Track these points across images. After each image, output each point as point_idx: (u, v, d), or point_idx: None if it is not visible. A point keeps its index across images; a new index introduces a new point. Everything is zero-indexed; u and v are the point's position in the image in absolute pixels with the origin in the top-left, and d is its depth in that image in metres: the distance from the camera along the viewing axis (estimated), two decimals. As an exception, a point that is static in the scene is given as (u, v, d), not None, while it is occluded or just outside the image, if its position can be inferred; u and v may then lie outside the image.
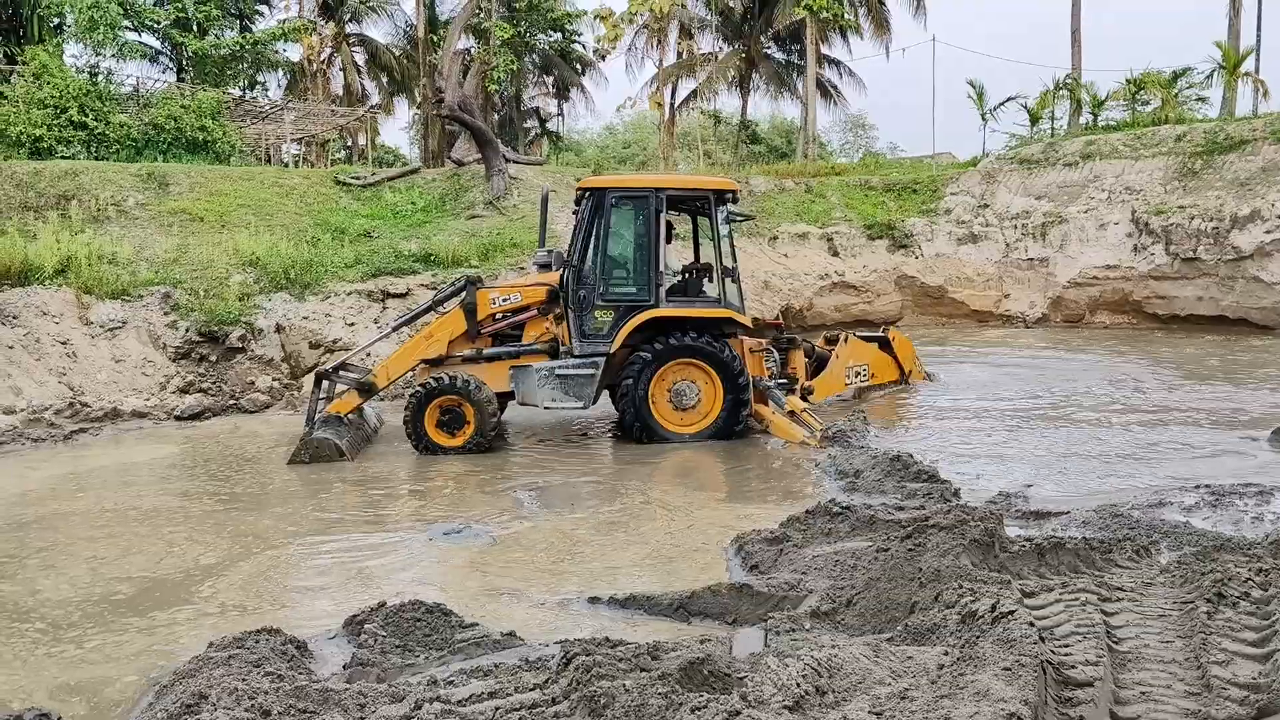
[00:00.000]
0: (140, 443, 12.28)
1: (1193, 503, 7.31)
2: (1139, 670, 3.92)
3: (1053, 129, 34.04)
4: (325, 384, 11.45)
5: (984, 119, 35.25)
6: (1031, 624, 3.89)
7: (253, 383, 14.77)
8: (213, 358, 15.03)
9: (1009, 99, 35.14)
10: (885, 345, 14.28)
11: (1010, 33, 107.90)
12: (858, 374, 13.49)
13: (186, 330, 15.01)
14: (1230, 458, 9.51)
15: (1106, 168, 25.33)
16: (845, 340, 13.51)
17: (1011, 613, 3.96)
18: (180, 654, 5.32)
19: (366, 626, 5.34)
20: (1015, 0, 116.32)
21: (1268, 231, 21.28)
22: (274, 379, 14.86)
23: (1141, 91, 31.42)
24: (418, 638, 5.27)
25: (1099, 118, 32.45)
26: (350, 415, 11.38)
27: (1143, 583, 4.81)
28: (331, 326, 15.64)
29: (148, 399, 13.79)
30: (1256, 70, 32.36)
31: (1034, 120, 34.19)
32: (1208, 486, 7.85)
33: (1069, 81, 33.50)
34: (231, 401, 14.28)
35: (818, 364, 13.06)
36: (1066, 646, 3.96)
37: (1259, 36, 33.35)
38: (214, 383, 14.65)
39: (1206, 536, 6.14)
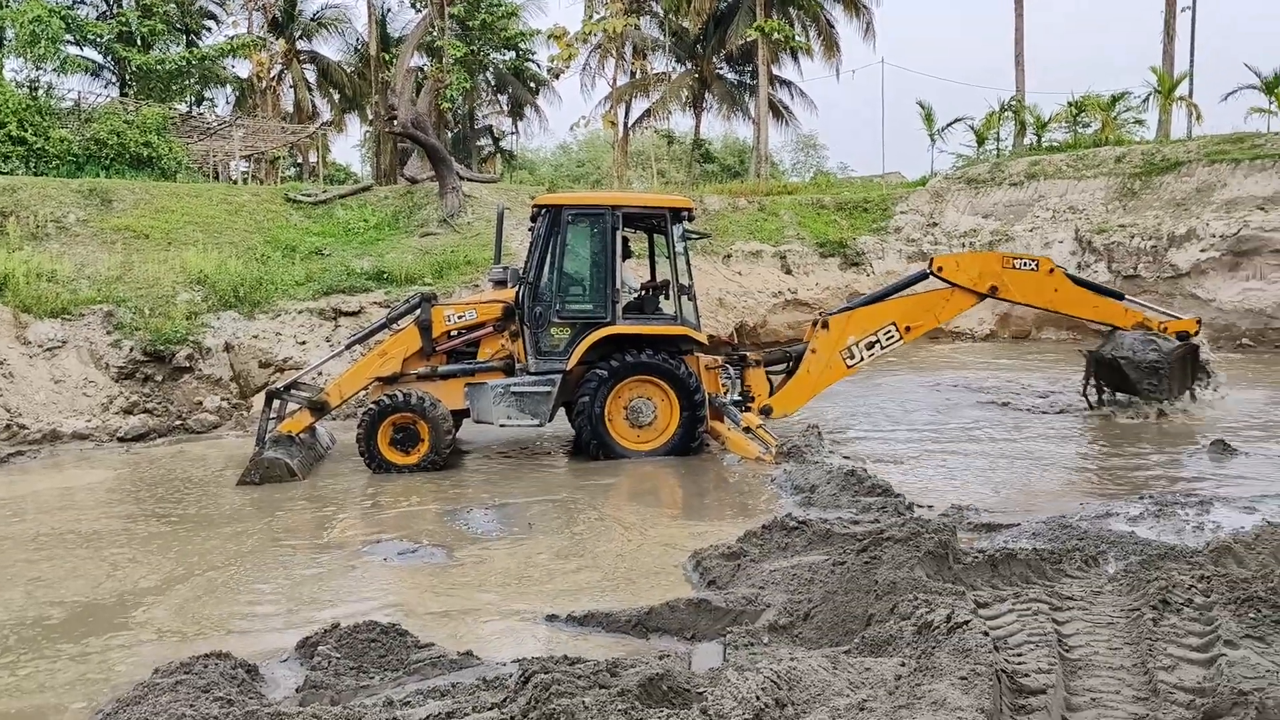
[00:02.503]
0: (81, 465, 11.99)
1: (1138, 513, 7.47)
2: (1089, 677, 3.99)
3: (998, 149, 34.74)
4: (276, 403, 11.30)
5: (932, 139, 35.87)
6: (986, 634, 3.95)
7: (200, 403, 14.52)
8: (158, 377, 14.76)
9: (956, 120, 35.82)
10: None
11: (956, 55, 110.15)
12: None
13: (130, 349, 14.71)
14: (1172, 468, 9.74)
15: (1050, 187, 25.91)
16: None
17: (966, 623, 4.01)
18: (120, 680, 5.21)
19: (320, 648, 5.26)
20: (961, 25, 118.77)
21: (1202, 250, 21.91)
22: (223, 399, 14.62)
23: (1082, 114, 32.22)
24: (372, 659, 5.20)
25: (1042, 139, 33.19)
26: (302, 434, 11.23)
27: (1092, 592, 4.89)
28: (282, 345, 15.44)
29: (89, 420, 13.48)
30: (1190, 95, 33.33)
31: (980, 141, 34.87)
32: (1152, 497, 8.03)
33: (1014, 104, 34.24)
34: (178, 422, 14.01)
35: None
36: (1020, 655, 4.02)
37: (1192, 63, 34.41)
38: (159, 403, 14.37)
39: (1151, 546, 6.28)
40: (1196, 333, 12.79)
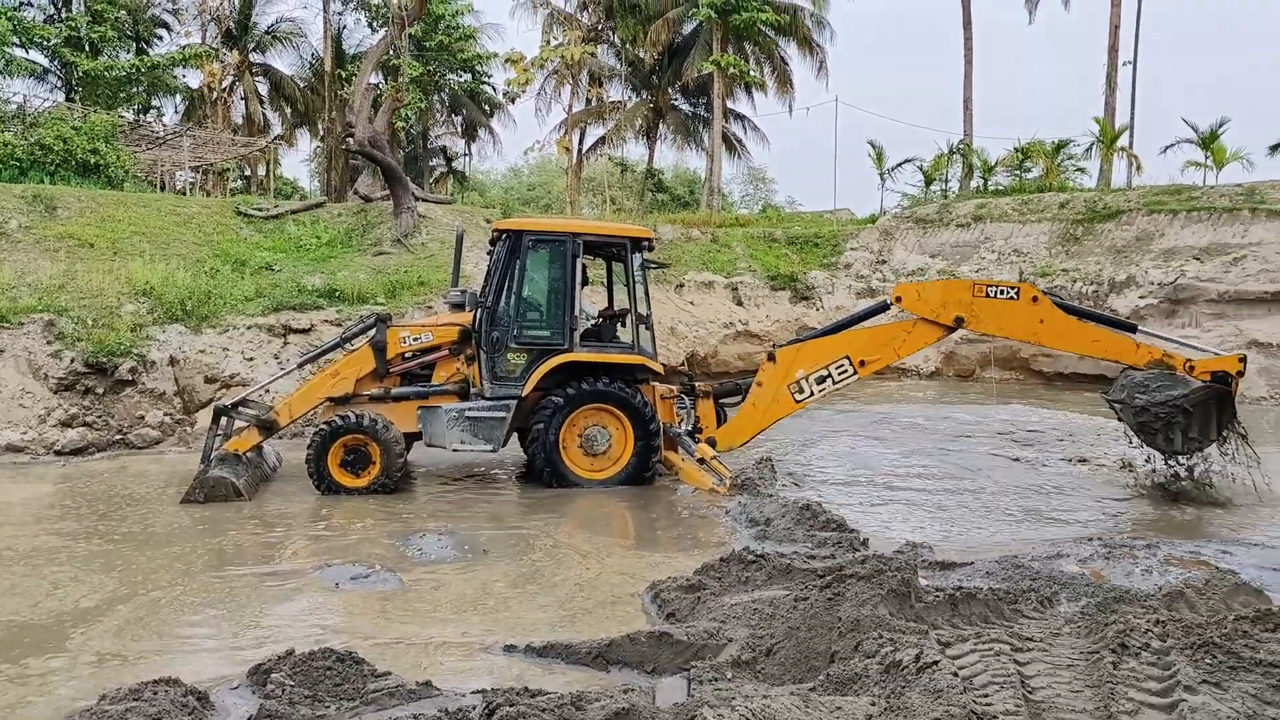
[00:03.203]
0: (16, 479, 11.61)
1: (1088, 554, 7.62)
2: (1054, 719, 4.04)
3: (944, 191, 35.51)
4: (223, 420, 11.06)
5: (882, 178, 36.55)
6: (956, 674, 3.99)
7: (142, 417, 14.15)
8: (99, 390, 14.35)
9: (906, 160, 36.55)
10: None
11: (906, 96, 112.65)
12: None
13: (71, 360, 14.30)
14: (1109, 510, 9.97)
15: (996, 230, 26.52)
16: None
17: (936, 663, 4.05)
18: (62, 703, 5.03)
19: (273, 676, 5.13)
20: (912, 68, 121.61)
21: (1141, 296, 22.57)
22: (166, 414, 14.26)
23: (1027, 160, 33.07)
24: (328, 687, 5.09)
25: (989, 182, 33.99)
26: (249, 453, 11.00)
27: (1050, 633, 4.97)
28: (229, 361, 15.14)
29: (25, 432, 13.07)
30: (1131, 145, 34.44)
31: (929, 181, 35.60)
32: (1100, 539, 8.20)
33: (961, 146, 35.06)
34: (118, 436, 13.65)
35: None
36: (986, 696, 4.06)
37: (1132, 115, 35.57)
38: (100, 416, 13.97)
39: (1103, 588, 6.40)
40: (1240, 373, 10.51)
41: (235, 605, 6.88)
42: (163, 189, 30.39)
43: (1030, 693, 4.23)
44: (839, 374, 11.64)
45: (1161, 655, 4.52)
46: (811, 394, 11.67)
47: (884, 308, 12.06)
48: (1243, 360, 10.63)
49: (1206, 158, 30.88)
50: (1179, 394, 10.24)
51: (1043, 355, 23.58)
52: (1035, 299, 11.12)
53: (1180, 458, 10.60)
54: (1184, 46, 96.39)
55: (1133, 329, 11.62)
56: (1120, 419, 10.97)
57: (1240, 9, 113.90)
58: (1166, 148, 34.00)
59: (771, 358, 11.87)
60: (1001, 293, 11.21)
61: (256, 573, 7.71)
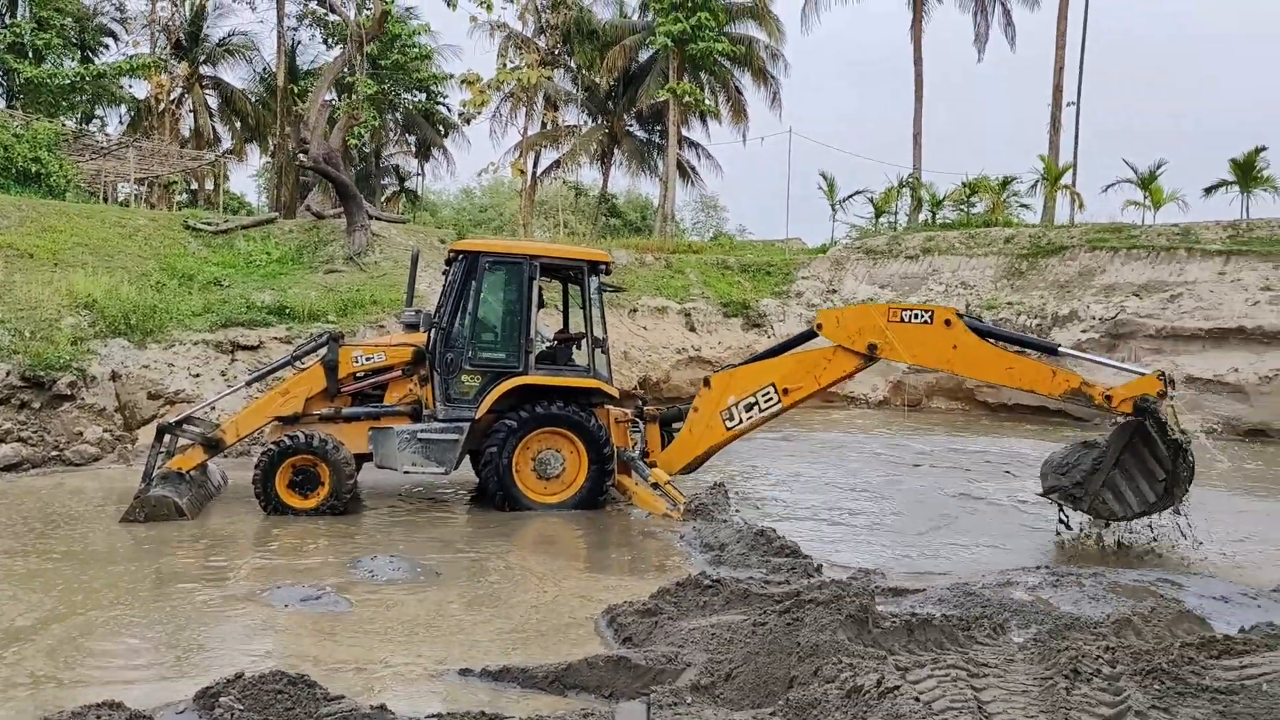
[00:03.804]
0: (-52, 494, 11.22)
1: (1036, 582, 7.74)
2: (1011, 745, 4.09)
3: (893, 223, 36.15)
4: (167, 438, 10.81)
5: (834, 209, 37.10)
6: (918, 699, 4.02)
7: (80, 433, 13.77)
8: (36, 405, 13.95)
9: (857, 192, 37.22)
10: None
11: (858, 128, 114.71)
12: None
13: (7, 374, 13.89)
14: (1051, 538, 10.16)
15: (944, 263, 27.03)
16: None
17: (897, 688, 4.08)
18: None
19: (222, 700, 4.99)
20: (863, 100, 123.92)
21: (1084, 331, 23.11)
22: (106, 430, 13.91)
23: (974, 194, 33.83)
24: (278, 711, 4.96)
25: (937, 215, 34.69)
26: (192, 472, 10.75)
27: (1005, 659, 5.03)
28: (174, 377, 14.82)
29: (-43, 446, 12.65)
30: (1074, 183, 35.41)
31: (879, 213, 36.24)
32: (1048, 568, 8.34)
33: (911, 180, 35.76)
34: (55, 453, 13.27)
35: None
36: (945, 721, 4.10)
37: (1076, 154, 36.62)
38: (35, 432, 13.56)
39: (1054, 615, 6.51)
40: (1163, 394, 9.26)
41: (180, 627, 6.71)
42: (106, 201, 29.77)
43: (987, 717, 4.28)
44: (765, 402, 11.26)
45: (1112, 681, 4.60)
46: (741, 421, 11.34)
47: (811, 334, 11.51)
48: (1162, 377, 9.45)
49: (1145, 198, 31.87)
50: (1095, 456, 9.37)
51: (987, 387, 24.01)
52: (948, 323, 10.40)
53: (1164, 509, 9.28)
54: (1125, 90, 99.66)
55: (1054, 350, 11.25)
56: (1072, 509, 9.81)
57: (1179, 56, 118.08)
58: (1108, 187, 35.11)
59: (708, 383, 11.76)
60: (916, 317, 10.58)
61: (202, 594, 7.52)
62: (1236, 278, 22.37)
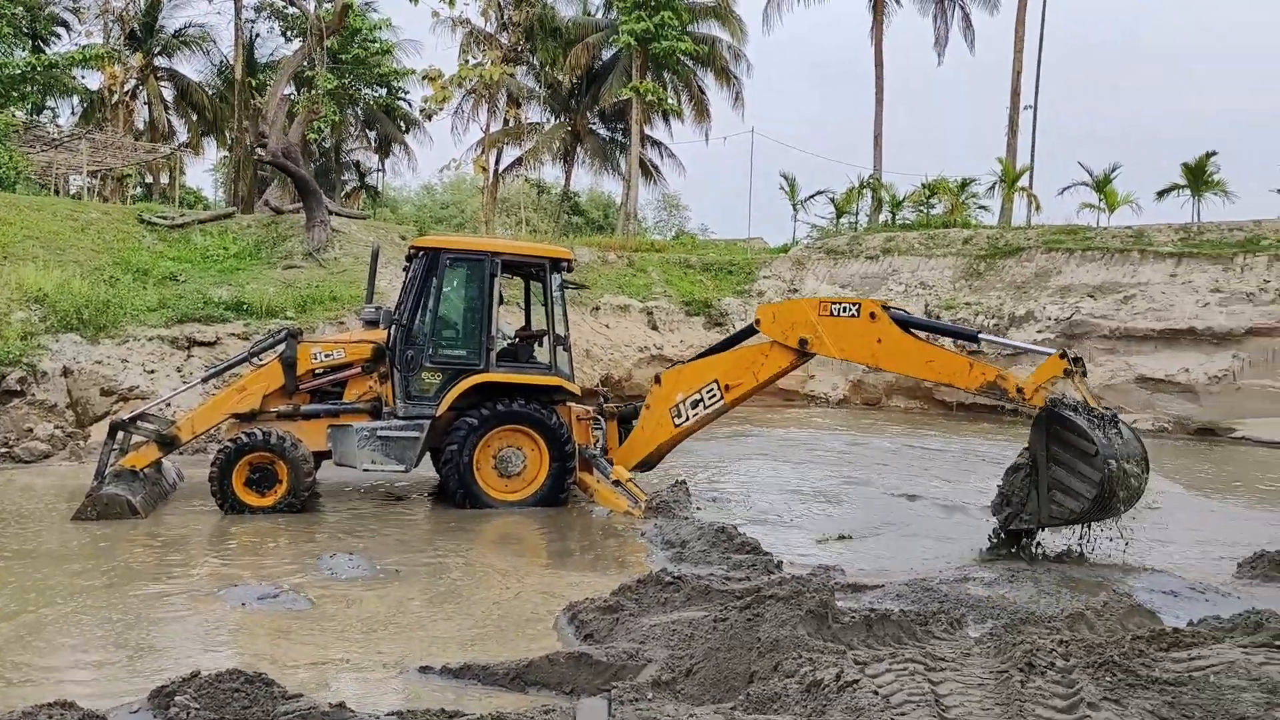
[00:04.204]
0: (-108, 492, 10.95)
1: (992, 578, 7.85)
2: (966, 737, 4.15)
3: (854, 224, 36.47)
4: (120, 435, 10.63)
5: (795, 209, 37.33)
6: (876, 692, 4.06)
7: (31, 430, 13.51)
8: (-16, 400, 13.67)
9: (818, 193, 37.47)
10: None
11: (820, 129, 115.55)
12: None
13: (-45, 369, 13.61)
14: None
15: (904, 263, 27.31)
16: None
17: (856, 682, 4.12)
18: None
19: (177, 699, 4.92)
20: (825, 102, 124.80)
21: (1039, 331, 23.46)
22: (57, 427, 13.66)
23: (934, 196, 34.22)
24: (235, 710, 4.90)
25: (896, 216, 35.04)
26: (147, 470, 10.59)
27: (961, 653, 5.10)
28: (128, 373, 14.58)
29: (-98, 443, 12.36)
30: (1030, 186, 35.94)
31: (840, 213, 36.51)
32: (1002, 563, 8.46)
33: (871, 181, 36.08)
34: (4, 449, 13.00)
35: None
36: (904, 714, 4.15)
37: (1032, 157, 37.15)
38: (-16, 428, 13.30)
39: (1008, 610, 6.61)
40: (1070, 372, 8.97)
41: (132, 625, 6.60)
42: (57, 193, 29.19)
43: (945, 710, 4.34)
44: (710, 399, 11.14)
45: (1066, 674, 4.68)
46: (688, 419, 11.25)
47: (754, 330, 11.27)
48: (1064, 355, 9.17)
49: (1100, 200, 32.40)
50: (1025, 471, 8.89)
51: (944, 386, 24.26)
52: (873, 316, 10.08)
53: (1126, 485, 8.54)
54: (1083, 95, 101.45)
55: (974, 337, 10.92)
56: (1039, 527, 9.05)
57: (1134, 62, 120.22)
58: (1064, 189, 35.64)
59: (658, 380, 11.73)
60: (844, 310, 10.25)
61: (156, 592, 7.42)
62: (1187, 279, 22.85)
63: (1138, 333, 22.31)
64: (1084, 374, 9.10)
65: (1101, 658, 4.86)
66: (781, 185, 38.01)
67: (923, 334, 10.40)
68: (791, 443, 17.80)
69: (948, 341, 11.52)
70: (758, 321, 11.05)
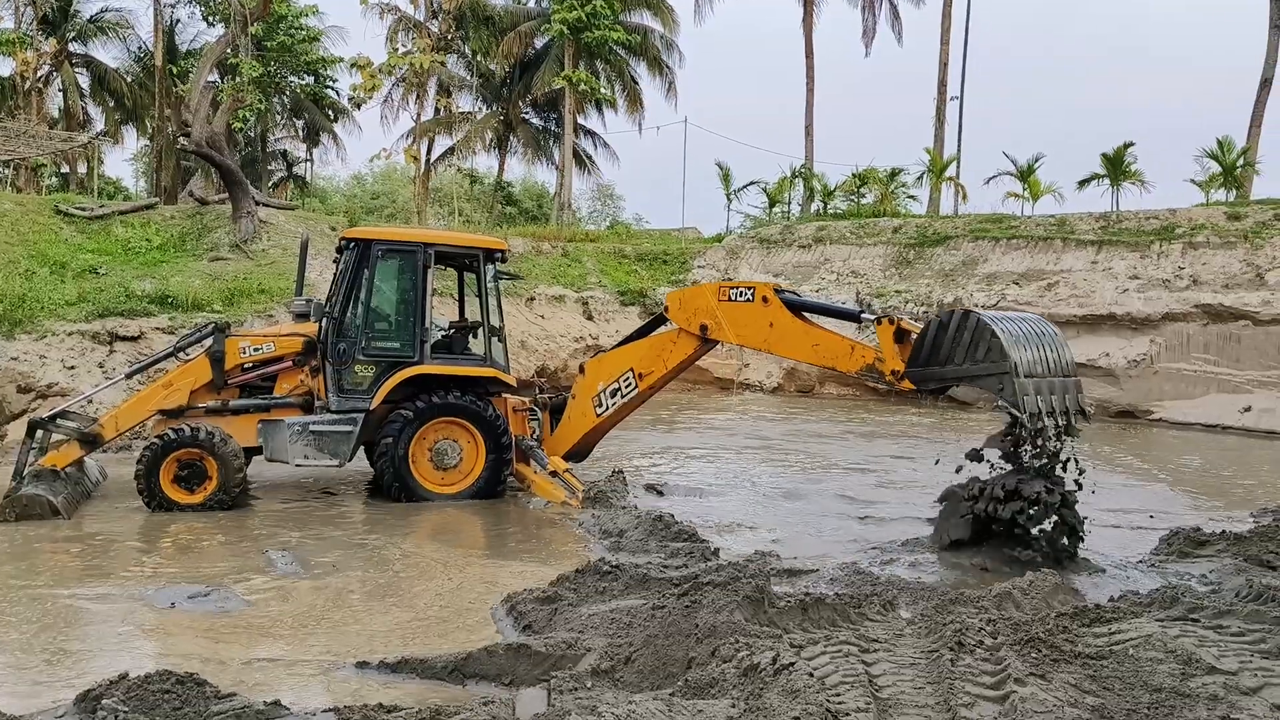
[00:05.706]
0: None
1: (921, 560, 8.03)
2: (899, 715, 4.25)
3: (786, 213, 36.81)
4: (40, 433, 10.31)
5: (729, 199, 37.56)
6: (812, 674, 4.14)
7: (-56, 429, 13.03)
8: (-107, 400, 13.14)
9: (751, 183, 37.73)
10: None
11: (752, 119, 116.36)
12: None
13: None
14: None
15: (835, 252, 27.67)
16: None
17: (792, 664, 4.19)
18: None
19: (104, 702, 4.81)
20: (759, 93, 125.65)
21: (967, 318, 23.94)
22: (-29, 426, 13.18)
23: (864, 185, 34.69)
24: (166, 712, 4.81)
25: (828, 206, 35.45)
26: (68, 469, 10.30)
27: (894, 634, 5.22)
28: (47, 369, 14.12)
29: None
30: (957, 175, 36.65)
31: (772, 203, 36.83)
32: (930, 547, 8.65)
33: (803, 171, 36.44)
34: (-86, 450, 12.52)
35: None
36: (838, 695, 4.24)
37: (959, 147, 37.89)
38: (-107, 428, 12.79)
39: (939, 591, 6.77)
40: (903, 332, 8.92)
41: (57, 628, 6.42)
42: (-32, 184, 28.10)
43: (878, 690, 4.44)
44: (626, 387, 11.13)
45: (994, 651, 4.82)
46: (608, 408, 11.26)
47: (664, 318, 11.18)
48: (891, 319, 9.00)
49: (1024, 190, 33.13)
50: (963, 494, 8.46)
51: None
52: (766, 300, 9.95)
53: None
54: (1006, 85, 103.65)
55: (857, 317, 9.99)
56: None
57: (1059, 53, 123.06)
58: (989, 179, 36.35)
59: (583, 370, 11.78)
60: (741, 294, 10.15)
61: (79, 594, 7.22)
62: (1108, 267, 23.53)
63: (1061, 319, 22.85)
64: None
65: (1028, 635, 5.01)
66: (716, 174, 38.22)
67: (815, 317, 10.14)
68: (726, 430, 17.95)
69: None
70: (666, 309, 11.00)
